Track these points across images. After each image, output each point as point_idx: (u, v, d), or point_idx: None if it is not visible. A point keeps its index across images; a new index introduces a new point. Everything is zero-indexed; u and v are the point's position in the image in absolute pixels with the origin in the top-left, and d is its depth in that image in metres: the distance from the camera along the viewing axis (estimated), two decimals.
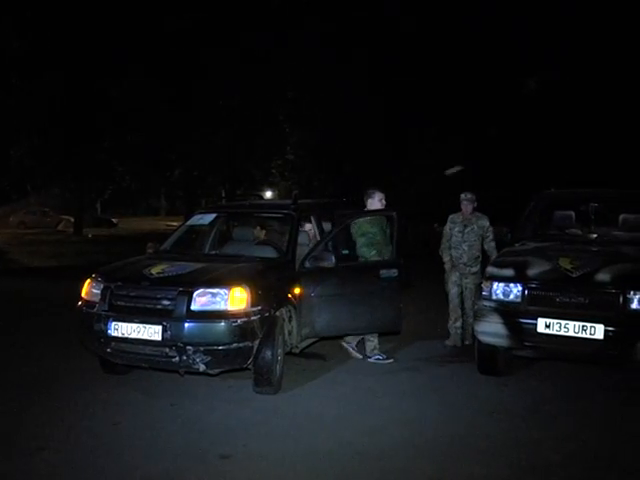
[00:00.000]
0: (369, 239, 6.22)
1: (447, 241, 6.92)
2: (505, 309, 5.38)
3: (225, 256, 6.15)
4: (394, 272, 6.02)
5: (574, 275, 5.25)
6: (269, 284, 5.33)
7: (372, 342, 6.32)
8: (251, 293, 5.01)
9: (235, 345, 4.91)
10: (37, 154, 25.42)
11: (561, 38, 23.94)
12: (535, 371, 5.97)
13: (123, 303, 5.16)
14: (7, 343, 7.01)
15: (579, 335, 5.05)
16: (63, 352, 6.46)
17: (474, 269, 6.78)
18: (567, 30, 23.77)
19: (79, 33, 22.50)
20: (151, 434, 4.44)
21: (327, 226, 6.49)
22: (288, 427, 4.58)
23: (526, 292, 5.32)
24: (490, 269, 5.70)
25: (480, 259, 6.86)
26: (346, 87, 23.92)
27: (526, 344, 5.36)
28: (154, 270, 5.32)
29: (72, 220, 29.52)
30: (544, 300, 5.26)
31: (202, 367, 4.93)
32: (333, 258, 5.75)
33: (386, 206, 6.49)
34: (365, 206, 6.54)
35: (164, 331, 4.89)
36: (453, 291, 6.89)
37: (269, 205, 8.29)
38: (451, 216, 7.03)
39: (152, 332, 4.93)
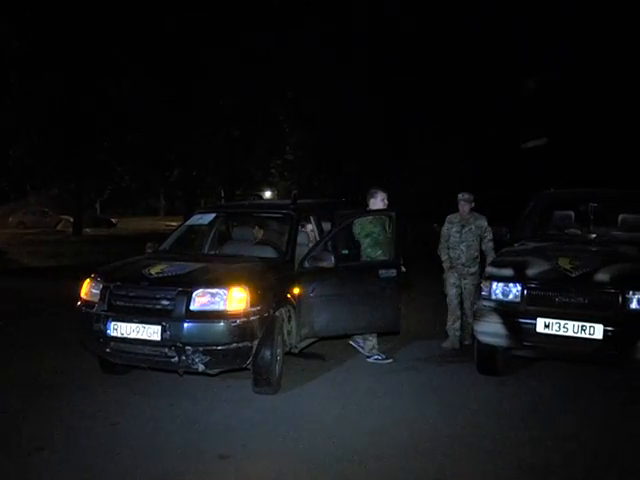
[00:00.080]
0: (374, 239, 6.22)
1: (445, 241, 6.91)
2: (504, 309, 5.38)
3: (224, 256, 6.15)
4: (393, 272, 6.02)
5: (573, 275, 5.25)
6: (268, 284, 5.32)
7: (371, 341, 6.32)
8: (250, 293, 5.01)
9: (234, 345, 4.91)
10: (37, 154, 25.42)
11: (561, 38, 23.94)
12: (534, 371, 5.97)
13: (122, 303, 5.15)
14: (7, 343, 7.01)
15: (578, 335, 5.05)
16: (62, 352, 6.46)
17: (472, 269, 6.77)
18: (567, 30, 23.77)
19: (79, 33, 22.50)
20: (150, 434, 4.44)
21: (327, 226, 6.49)
22: (287, 427, 4.58)
23: (525, 292, 5.32)
24: (489, 269, 5.70)
25: (478, 259, 6.85)
26: (346, 87, 23.93)
27: (525, 344, 5.35)
28: (153, 270, 5.31)
29: (71, 220, 29.50)
30: (543, 300, 5.26)
31: (201, 367, 4.93)
32: (332, 258, 5.75)
33: (388, 206, 6.49)
34: (368, 206, 6.54)
35: (163, 331, 4.89)
36: (452, 293, 6.88)
37: (268, 205, 8.29)
38: (449, 216, 7.02)
39: (151, 332, 4.93)
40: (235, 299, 4.95)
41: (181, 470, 3.91)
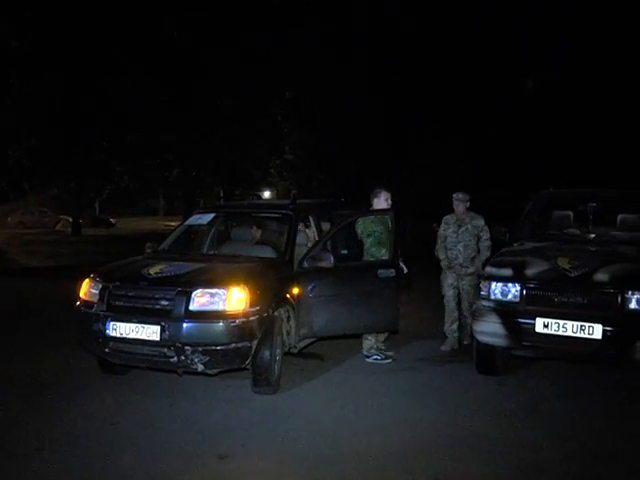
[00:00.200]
0: (376, 238, 6.22)
1: (442, 242, 6.90)
2: (503, 309, 5.39)
3: (223, 256, 6.15)
4: (392, 272, 6.02)
5: (572, 275, 5.25)
6: (267, 284, 5.33)
7: (370, 341, 6.33)
8: (249, 293, 5.01)
9: (233, 345, 4.91)
10: (36, 154, 25.42)
11: (561, 38, 23.94)
12: (534, 371, 5.97)
13: (121, 303, 5.16)
14: (6, 343, 7.01)
15: (577, 335, 5.05)
16: (62, 352, 6.46)
17: (470, 270, 6.77)
18: (567, 30, 23.77)
19: (79, 33, 22.49)
20: (149, 434, 4.44)
21: (326, 226, 6.49)
22: (286, 427, 4.58)
23: (524, 292, 5.32)
24: (489, 269, 5.70)
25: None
26: (346, 87, 23.91)
27: (524, 344, 5.36)
28: (152, 270, 5.31)
29: (70, 220, 29.52)
30: (542, 300, 5.27)
31: (200, 367, 4.93)
32: (332, 258, 5.76)
33: (392, 206, 6.49)
34: (372, 205, 6.55)
35: (162, 331, 4.89)
36: (449, 294, 6.87)
37: (267, 205, 8.29)
38: (445, 217, 7.00)
39: (150, 332, 4.93)
40: (234, 299, 4.95)
41: (180, 470, 3.91)
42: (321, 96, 25.04)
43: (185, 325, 4.89)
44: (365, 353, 6.34)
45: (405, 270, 6.37)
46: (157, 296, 5.05)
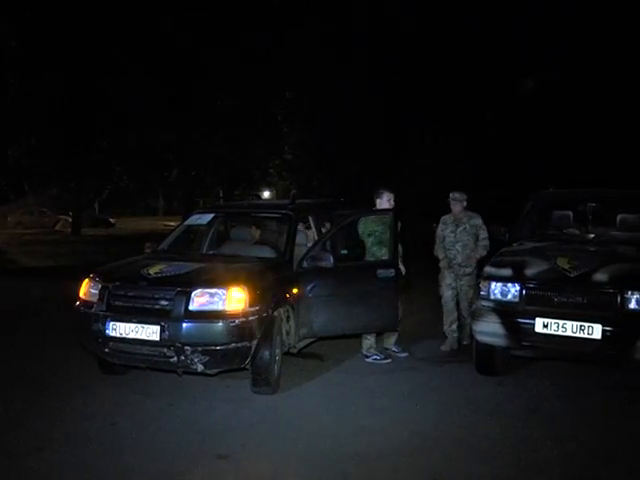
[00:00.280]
0: (377, 238, 6.23)
1: (440, 242, 6.90)
2: (503, 309, 5.38)
3: (223, 256, 6.15)
4: (391, 272, 6.02)
5: (572, 275, 5.25)
6: (267, 284, 5.33)
7: (369, 340, 6.33)
8: (249, 293, 5.01)
9: (233, 345, 4.91)
10: (36, 154, 25.41)
11: (560, 38, 23.94)
12: (533, 371, 5.97)
13: (121, 303, 5.16)
14: (6, 343, 7.01)
15: (577, 335, 5.05)
16: (62, 352, 6.46)
17: (469, 269, 6.77)
18: (567, 30, 23.76)
19: (79, 33, 22.49)
20: (149, 434, 4.44)
21: (326, 226, 6.49)
22: (286, 427, 4.58)
23: (524, 292, 5.32)
24: (488, 269, 5.70)
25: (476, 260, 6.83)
26: (346, 87, 23.91)
27: (524, 344, 5.35)
28: (152, 270, 5.31)
29: (70, 220, 29.51)
30: (542, 300, 5.27)
31: (200, 367, 4.94)
32: (331, 258, 5.76)
33: (394, 206, 6.50)
34: (375, 205, 6.56)
35: (162, 331, 4.90)
36: (447, 294, 6.86)
37: (267, 205, 8.28)
38: (442, 217, 7.00)
39: (150, 332, 4.93)
40: (234, 299, 4.96)
41: (180, 470, 3.91)
42: (321, 96, 25.03)
43: (185, 325, 4.89)
44: (365, 353, 6.34)
45: (404, 271, 6.37)
46: (157, 296, 5.06)
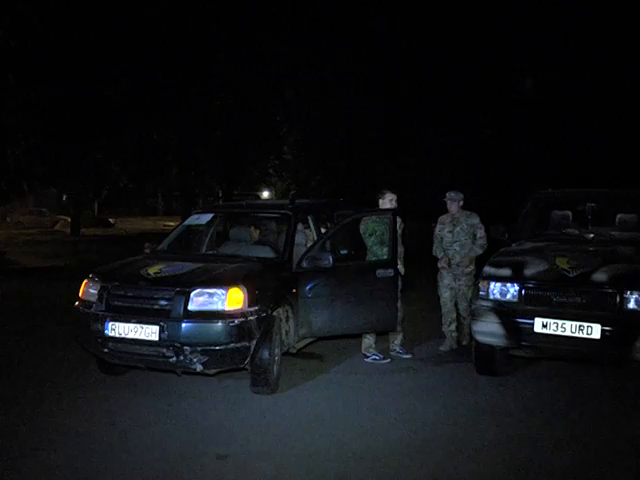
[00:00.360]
0: (378, 237, 6.23)
1: (439, 242, 6.90)
2: (502, 309, 5.39)
3: (222, 256, 6.15)
4: (391, 272, 6.02)
5: (571, 275, 5.25)
6: (266, 284, 5.33)
7: (369, 340, 6.33)
8: (248, 293, 5.01)
9: (232, 345, 4.91)
10: (35, 154, 25.37)
11: (560, 38, 23.96)
12: (532, 371, 5.98)
13: (120, 303, 5.16)
14: (7, 343, 7.00)
15: (576, 335, 5.06)
16: (61, 352, 6.46)
17: (467, 269, 6.76)
18: (566, 30, 23.78)
19: (79, 33, 22.47)
20: (148, 434, 4.44)
21: (325, 226, 6.49)
22: (285, 427, 4.58)
23: (523, 292, 5.33)
24: (487, 269, 5.70)
25: (473, 259, 6.83)
26: (346, 87, 23.92)
27: (523, 344, 5.36)
28: (151, 270, 5.31)
29: (69, 220, 29.47)
30: (541, 300, 5.27)
31: (199, 367, 4.94)
32: (330, 258, 5.75)
33: (396, 207, 6.50)
34: (378, 205, 6.56)
35: (161, 331, 4.90)
36: (445, 295, 6.86)
37: (266, 205, 8.29)
38: (440, 217, 7.00)
39: (149, 332, 4.93)
40: (233, 299, 4.96)
41: (179, 470, 3.91)
42: (320, 96, 25.03)
43: (184, 325, 4.89)
44: (364, 353, 6.34)
45: (403, 271, 6.37)
46: (156, 296, 5.06)
